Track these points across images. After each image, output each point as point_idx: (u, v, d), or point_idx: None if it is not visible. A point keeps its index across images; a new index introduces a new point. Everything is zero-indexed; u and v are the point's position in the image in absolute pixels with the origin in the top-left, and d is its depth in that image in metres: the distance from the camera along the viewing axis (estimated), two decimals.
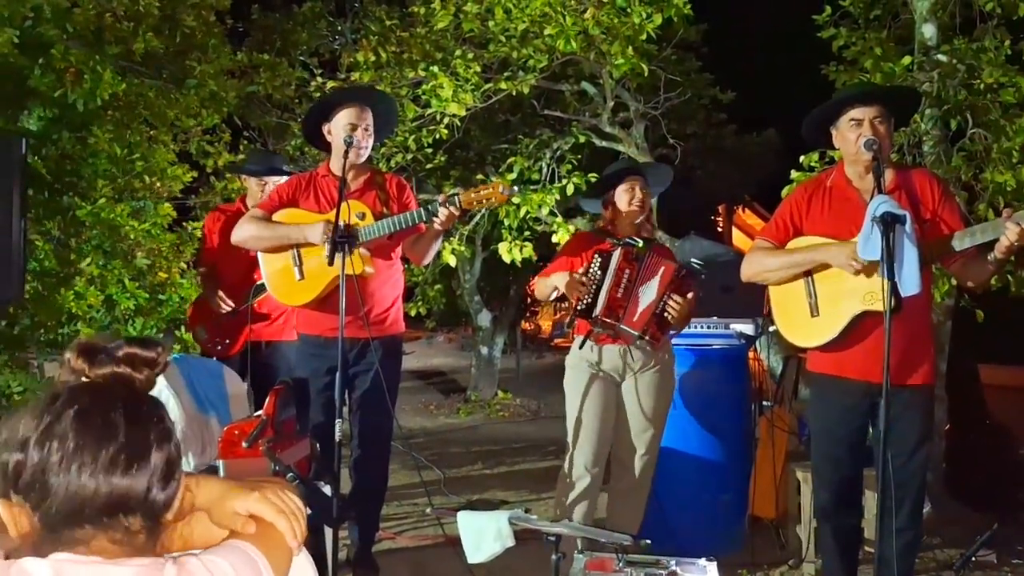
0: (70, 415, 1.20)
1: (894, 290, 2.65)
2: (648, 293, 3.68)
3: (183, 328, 5.84)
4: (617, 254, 3.68)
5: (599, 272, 3.67)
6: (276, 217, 3.71)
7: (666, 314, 3.66)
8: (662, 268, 3.68)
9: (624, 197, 3.86)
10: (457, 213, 3.47)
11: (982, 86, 4.72)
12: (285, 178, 4.64)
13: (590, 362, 3.81)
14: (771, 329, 4.36)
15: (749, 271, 3.32)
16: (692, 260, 3.74)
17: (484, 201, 3.51)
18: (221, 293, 4.43)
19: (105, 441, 1.19)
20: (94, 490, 1.17)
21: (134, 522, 1.21)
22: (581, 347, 3.80)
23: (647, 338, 3.67)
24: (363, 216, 3.54)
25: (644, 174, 3.95)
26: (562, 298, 3.92)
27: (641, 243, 3.75)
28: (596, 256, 3.70)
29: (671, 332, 3.82)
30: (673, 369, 3.95)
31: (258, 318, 4.43)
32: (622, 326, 3.67)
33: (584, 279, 3.67)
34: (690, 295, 3.69)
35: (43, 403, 1.23)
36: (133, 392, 1.29)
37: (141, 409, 1.27)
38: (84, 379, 1.29)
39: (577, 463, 3.76)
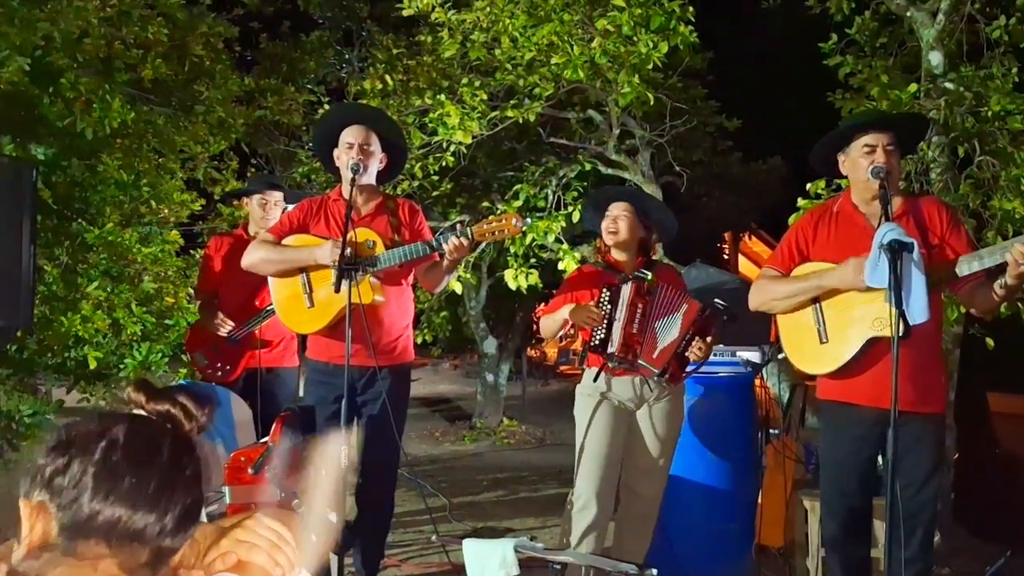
0: (122, 434, 1.22)
1: (902, 317, 2.64)
2: (668, 330, 3.62)
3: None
4: (628, 289, 3.64)
5: (609, 306, 3.63)
6: (286, 242, 3.71)
7: (688, 354, 3.62)
8: (684, 306, 3.63)
9: (603, 226, 3.84)
10: (467, 244, 3.46)
11: (989, 113, 4.73)
12: (281, 194, 4.65)
13: (603, 392, 3.77)
14: (780, 356, 4.33)
15: (757, 300, 3.29)
16: (716, 301, 3.67)
17: (496, 233, 3.50)
18: (221, 316, 4.41)
19: (141, 472, 1.20)
20: (113, 515, 1.18)
21: (142, 553, 1.21)
22: (595, 380, 3.74)
23: (667, 376, 3.63)
24: (373, 245, 3.53)
25: (630, 199, 3.90)
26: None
27: (651, 276, 3.69)
28: (605, 290, 3.67)
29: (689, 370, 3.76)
30: (683, 397, 3.92)
31: (260, 344, 4.42)
32: (640, 362, 3.63)
33: (594, 311, 3.62)
34: (709, 338, 3.64)
35: (100, 417, 1.26)
36: (180, 433, 1.31)
37: (183, 453, 1.28)
38: (139, 411, 1.31)
39: (586, 493, 3.70)
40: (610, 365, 3.70)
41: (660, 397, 3.77)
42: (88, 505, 1.17)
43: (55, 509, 1.19)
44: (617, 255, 3.87)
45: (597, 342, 3.63)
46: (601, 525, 3.71)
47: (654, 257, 4.02)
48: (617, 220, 3.81)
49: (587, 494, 3.69)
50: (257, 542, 1.37)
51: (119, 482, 1.18)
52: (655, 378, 3.67)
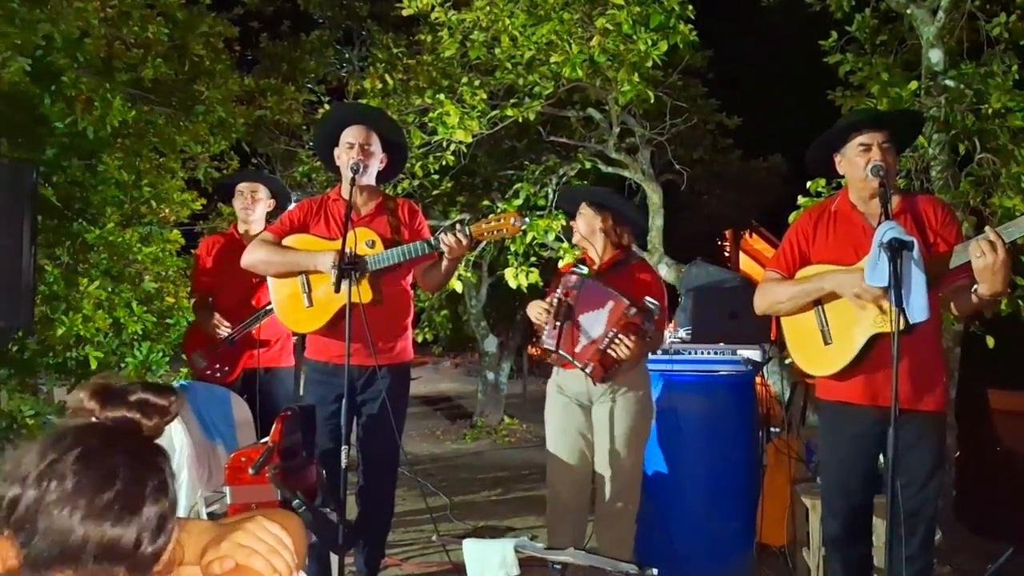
0: (72, 456, 1.19)
1: (902, 315, 2.63)
2: (594, 325, 3.64)
3: None
4: (562, 283, 3.76)
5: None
6: (286, 242, 3.71)
7: (611, 351, 3.59)
8: (611, 303, 3.62)
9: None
10: (466, 242, 3.46)
11: (990, 111, 4.72)
12: (260, 186, 4.65)
13: (560, 387, 3.90)
14: (787, 362, 4.34)
15: (762, 304, 3.28)
16: (647, 299, 3.61)
17: (495, 232, 3.51)
18: (218, 317, 4.41)
19: (102, 487, 1.18)
20: (83, 535, 1.16)
21: (119, 572, 1.19)
22: (555, 369, 3.92)
23: (588, 372, 3.64)
24: (372, 244, 3.53)
25: (589, 197, 4.00)
26: None
27: (586, 271, 3.78)
28: (560, 287, 3.79)
29: (618, 368, 3.68)
30: (648, 392, 3.87)
31: (257, 344, 4.41)
32: (562, 353, 3.70)
33: (543, 306, 3.74)
34: (633, 337, 3.56)
35: (49, 440, 1.22)
36: (138, 440, 1.28)
37: (143, 459, 1.25)
38: (94, 419, 1.28)
39: (553, 486, 3.89)
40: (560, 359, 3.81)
41: (614, 392, 3.76)
42: (51, 536, 1.15)
43: (18, 546, 1.17)
44: (591, 252, 3.94)
45: (544, 336, 3.75)
46: (573, 519, 3.85)
47: (635, 249, 4.11)
48: (577, 219, 3.96)
49: (552, 487, 3.91)
50: (256, 547, 1.36)
51: (81, 507, 1.16)
52: (583, 372, 3.68)
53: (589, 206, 3.92)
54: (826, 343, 3.08)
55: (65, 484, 1.16)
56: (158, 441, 1.34)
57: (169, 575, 1.32)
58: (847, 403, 3.10)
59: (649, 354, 3.97)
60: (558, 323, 3.68)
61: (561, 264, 6.52)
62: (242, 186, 4.61)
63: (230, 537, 1.37)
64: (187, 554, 1.36)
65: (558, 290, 3.75)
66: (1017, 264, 2.89)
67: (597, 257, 3.91)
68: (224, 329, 4.37)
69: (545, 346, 3.74)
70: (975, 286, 2.79)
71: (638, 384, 3.82)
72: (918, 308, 2.70)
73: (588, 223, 3.91)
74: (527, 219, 3.89)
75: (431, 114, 6.41)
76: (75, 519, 1.15)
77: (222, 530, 1.40)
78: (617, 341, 3.56)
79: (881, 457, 3.22)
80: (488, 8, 6.27)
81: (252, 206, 4.54)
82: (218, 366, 4.44)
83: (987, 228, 2.70)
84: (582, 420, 3.84)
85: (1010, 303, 4.61)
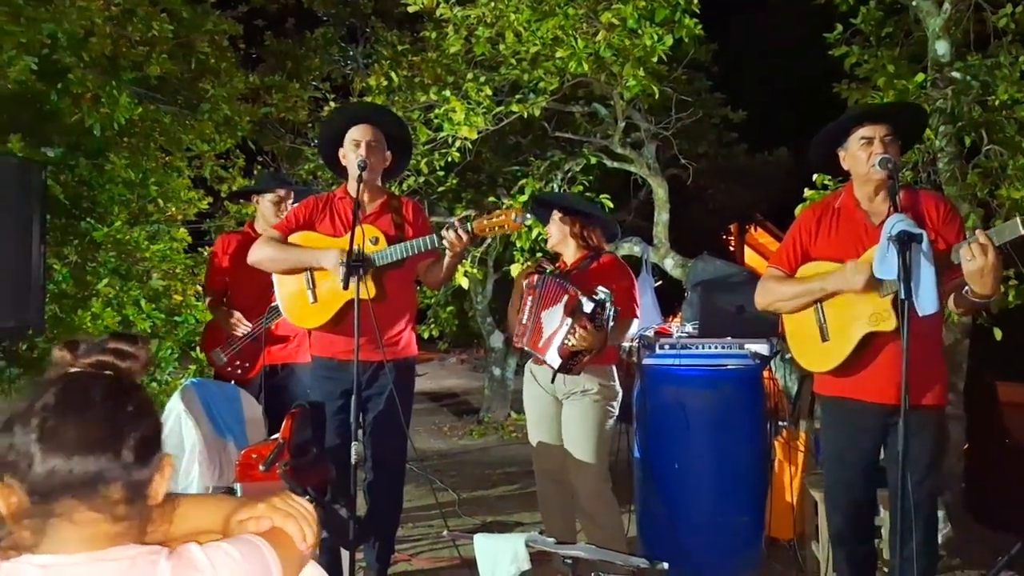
0: (50, 395, 1.27)
1: (903, 309, 2.62)
2: (552, 319, 3.80)
3: (198, 349, 5.86)
4: (526, 283, 3.99)
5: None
6: (292, 239, 3.72)
7: (567, 342, 3.72)
8: (565, 296, 3.77)
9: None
10: (467, 238, 3.47)
11: (997, 103, 4.71)
12: (292, 191, 4.68)
13: (532, 373, 4.08)
14: (787, 357, 4.36)
15: (763, 301, 3.29)
16: (600, 288, 3.72)
17: (497, 228, 3.52)
18: (237, 315, 4.44)
19: (80, 422, 1.25)
20: (67, 468, 1.23)
21: (114, 491, 1.26)
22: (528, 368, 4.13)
23: (548, 362, 3.79)
24: (376, 241, 3.55)
25: (558, 205, 4.21)
26: None
27: (549, 269, 4.00)
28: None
29: (581, 358, 3.78)
30: (610, 398, 3.96)
31: (275, 340, 4.44)
32: (528, 349, 3.91)
33: (516, 304, 4.02)
34: (588, 325, 3.66)
35: (32, 388, 1.32)
36: (112, 377, 1.34)
37: (119, 392, 1.32)
38: (72, 368, 1.36)
39: (536, 474, 4.15)
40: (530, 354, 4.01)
41: (575, 392, 3.89)
42: (41, 467, 1.22)
43: (17, 484, 1.24)
44: (566, 256, 4.14)
45: (515, 333, 3.98)
46: (556, 505, 4.07)
47: (605, 248, 4.22)
48: (550, 226, 4.16)
49: (537, 477, 4.13)
50: (291, 512, 1.44)
51: (61, 438, 1.23)
52: (547, 365, 3.84)
53: (559, 212, 4.13)
54: (824, 340, 3.10)
55: (48, 422, 1.25)
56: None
57: (167, 526, 1.39)
58: (845, 398, 3.13)
59: (624, 355, 4.31)
60: (525, 321, 3.90)
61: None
62: (281, 191, 4.65)
63: (266, 500, 1.45)
64: (203, 522, 1.43)
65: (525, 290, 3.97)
66: None
67: (570, 259, 4.11)
68: (243, 327, 4.41)
69: (516, 343, 3.99)
70: (965, 287, 2.79)
71: (600, 388, 3.91)
72: (927, 301, 2.70)
73: (559, 229, 4.11)
74: (528, 215, 3.94)
75: (436, 111, 6.41)
76: (62, 450, 1.23)
77: (243, 500, 1.48)
78: (572, 331, 3.71)
79: (882, 451, 3.23)
80: (493, 4, 6.26)
81: (282, 211, 4.59)
82: (238, 363, 4.48)
83: (978, 231, 2.68)
84: (555, 412, 4.00)
85: (1018, 294, 4.61)
